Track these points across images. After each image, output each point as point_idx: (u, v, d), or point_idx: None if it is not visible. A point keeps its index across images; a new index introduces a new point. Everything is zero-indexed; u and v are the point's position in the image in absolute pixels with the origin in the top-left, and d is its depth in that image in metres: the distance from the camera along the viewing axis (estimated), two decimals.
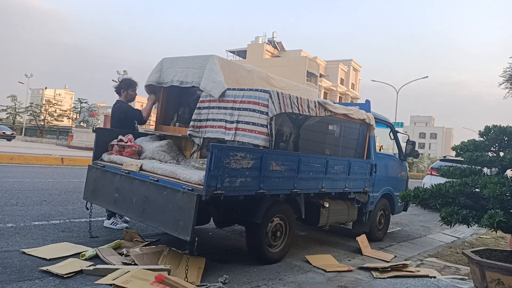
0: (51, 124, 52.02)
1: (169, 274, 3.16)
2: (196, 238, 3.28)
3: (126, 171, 4.07)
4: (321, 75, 51.70)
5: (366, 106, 5.77)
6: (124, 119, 5.00)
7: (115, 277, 2.99)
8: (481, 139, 3.85)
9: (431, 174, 11.90)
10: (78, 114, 40.13)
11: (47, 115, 51.90)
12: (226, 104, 4.07)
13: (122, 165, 4.19)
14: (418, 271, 4.36)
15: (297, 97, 4.02)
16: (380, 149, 10.48)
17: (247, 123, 3.84)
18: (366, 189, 5.42)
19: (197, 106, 4.36)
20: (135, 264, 3.37)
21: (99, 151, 4.63)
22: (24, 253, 3.50)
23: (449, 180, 3.71)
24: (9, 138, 32.41)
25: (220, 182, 3.26)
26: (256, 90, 3.91)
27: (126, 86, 5.19)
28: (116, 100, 5.20)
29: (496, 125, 3.74)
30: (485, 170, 3.82)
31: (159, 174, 3.77)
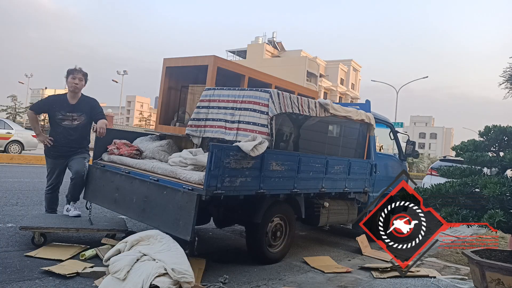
0: None
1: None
2: (196, 238, 3.28)
3: (126, 171, 4.07)
4: (321, 75, 51.69)
5: (366, 106, 5.77)
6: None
7: None
8: (481, 139, 3.85)
9: (431, 174, 11.89)
10: None
11: (47, 115, 51.82)
12: (227, 104, 4.08)
13: (122, 165, 4.20)
14: (418, 271, 4.36)
15: (297, 97, 4.02)
16: (380, 149, 10.46)
17: (248, 123, 3.84)
18: (366, 189, 5.42)
19: (197, 105, 4.36)
20: None
21: (99, 151, 4.63)
22: (27, 256, 3.49)
23: (449, 180, 3.71)
24: None
25: (220, 182, 3.26)
26: (256, 90, 3.91)
27: (66, 74, 4.53)
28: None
29: (496, 125, 3.74)
30: (485, 170, 3.82)
31: (159, 174, 3.78)
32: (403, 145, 6.95)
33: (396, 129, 6.97)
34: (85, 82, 4.55)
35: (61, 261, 3.40)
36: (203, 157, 3.71)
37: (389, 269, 4.29)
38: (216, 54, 4.65)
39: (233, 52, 56.89)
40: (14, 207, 5.50)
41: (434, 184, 3.68)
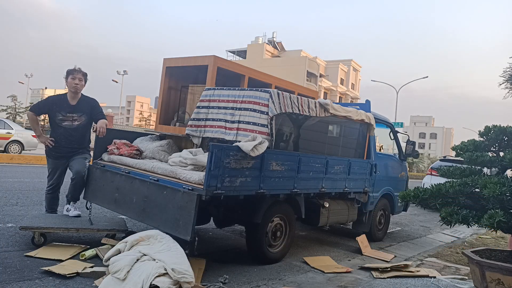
0: None
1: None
2: (196, 238, 3.28)
3: (126, 171, 4.07)
4: (321, 75, 51.69)
5: (366, 106, 5.77)
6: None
7: None
8: (481, 139, 3.85)
9: (431, 174, 11.90)
10: None
11: (47, 116, 51.79)
12: (227, 104, 4.08)
13: (122, 165, 4.19)
14: (418, 271, 4.37)
15: (297, 97, 4.02)
16: (380, 149, 10.48)
17: (248, 123, 3.84)
18: (366, 189, 5.42)
19: (197, 105, 4.36)
20: None
21: (99, 151, 4.64)
22: (27, 256, 3.48)
23: (449, 180, 3.71)
24: None
25: (220, 182, 3.26)
26: (256, 90, 3.91)
27: (66, 74, 4.50)
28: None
29: (496, 125, 3.74)
30: (485, 170, 3.82)
31: (159, 174, 3.78)
32: (403, 145, 6.95)
33: (396, 129, 6.97)
34: (85, 82, 4.55)
35: (61, 261, 3.40)
36: (203, 157, 3.71)
37: (389, 269, 4.29)
38: (216, 54, 4.65)
39: (233, 52, 56.89)
40: (14, 207, 5.50)
41: (434, 184, 3.68)
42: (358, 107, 5.50)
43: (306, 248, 5.13)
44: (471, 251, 3.57)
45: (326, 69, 54.45)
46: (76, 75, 4.43)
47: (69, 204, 4.48)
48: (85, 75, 4.52)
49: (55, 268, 3.16)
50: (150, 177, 3.75)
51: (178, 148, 4.74)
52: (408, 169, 7.21)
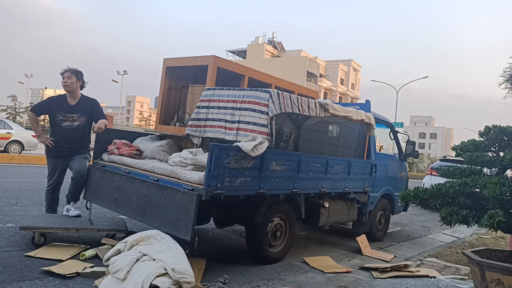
0: None
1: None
2: (196, 238, 3.28)
3: (126, 171, 4.07)
4: (321, 75, 51.69)
5: (366, 106, 5.77)
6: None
7: None
8: (481, 139, 3.85)
9: (431, 174, 11.90)
10: None
11: (47, 115, 51.77)
12: (227, 104, 4.08)
13: (122, 165, 4.19)
14: (418, 271, 4.37)
15: (297, 97, 4.02)
16: (380, 149, 10.48)
17: (248, 123, 3.84)
18: (366, 189, 5.42)
19: (197, 105, 4.36)
20: None
21: (99, 151, 4.64)
22: (27, 256, 3.48)
23: (449, 180, 3.71)
24: None
25: (220, 182, 3.26)
26: (256, 90, 3.91)
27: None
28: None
29: (496, 125, 3.74)
30: (485, 170, 3.82)
31: (159, 174, 3.78)
32: (403, 145, 6.95)
33: (396, 129, 6.96)
34: (79, 80, 4.50)
35: (61, 261, 3.40)
36: (203, 157, 3.71)
37: (389, 269, 4.29)
38: (216, 54, 4.65)
39: (233, 52, 56.88)
40: (14, 207, 5.50)
41: (434, 184, 3.68)
42: (358, 107, 5.50)
43: (306, 248, 5.13)
44: (471, 251, 3.57)
45: (326, 69, 54.45)
46: (64, 74, 4.45)
47: (69, 204, 4.49)
48: (74, 72, 4.48)
49: (55, 268, 3.16)
50: (150, 177, 3.75)
51: (178, 148, 4.74)
52: (408, 169, 7.21)
